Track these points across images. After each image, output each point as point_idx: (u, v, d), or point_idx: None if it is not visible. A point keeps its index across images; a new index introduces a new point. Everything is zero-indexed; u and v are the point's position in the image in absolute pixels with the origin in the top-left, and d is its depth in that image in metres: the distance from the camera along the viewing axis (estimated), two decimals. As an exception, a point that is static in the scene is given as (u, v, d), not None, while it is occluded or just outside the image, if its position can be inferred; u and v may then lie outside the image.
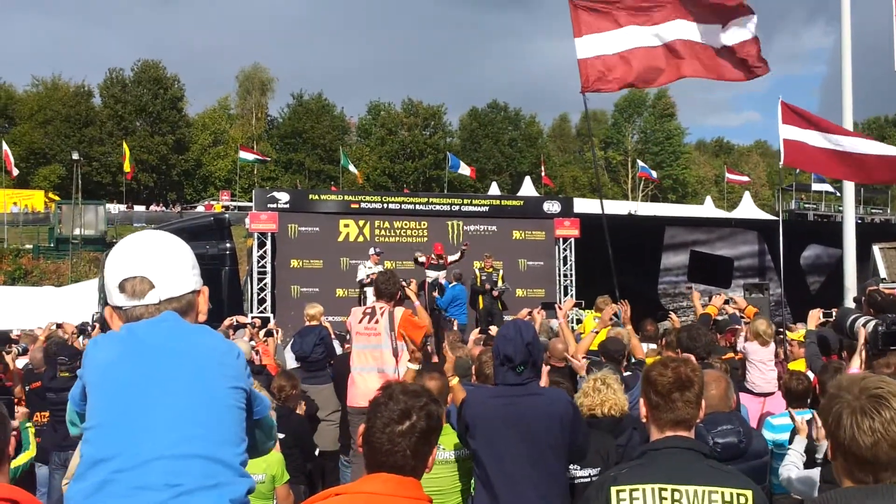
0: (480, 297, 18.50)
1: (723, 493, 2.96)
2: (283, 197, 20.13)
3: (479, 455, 4.54)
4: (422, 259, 18.21)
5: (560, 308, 9.63)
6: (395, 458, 2.65)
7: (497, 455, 4.47)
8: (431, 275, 18.62)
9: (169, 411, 2.42)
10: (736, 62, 14.39)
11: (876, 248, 23.07)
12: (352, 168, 64.96)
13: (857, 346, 3.83)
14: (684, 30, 14.46)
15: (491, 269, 18.61)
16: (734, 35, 14.26)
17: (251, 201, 24.21)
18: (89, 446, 2.42)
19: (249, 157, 66.36)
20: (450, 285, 17.65)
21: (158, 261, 2.72)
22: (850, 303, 17.32)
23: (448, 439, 5.09)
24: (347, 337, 9.59)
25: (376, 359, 7.77)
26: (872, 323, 3.95)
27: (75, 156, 50.44)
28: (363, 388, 7.66)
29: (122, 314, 2.65)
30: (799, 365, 8.04)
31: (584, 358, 8.26)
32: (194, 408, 2.45)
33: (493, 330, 10.63)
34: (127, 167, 57.20)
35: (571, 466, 4.78)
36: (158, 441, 2.37)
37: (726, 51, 14.35)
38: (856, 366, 3.65)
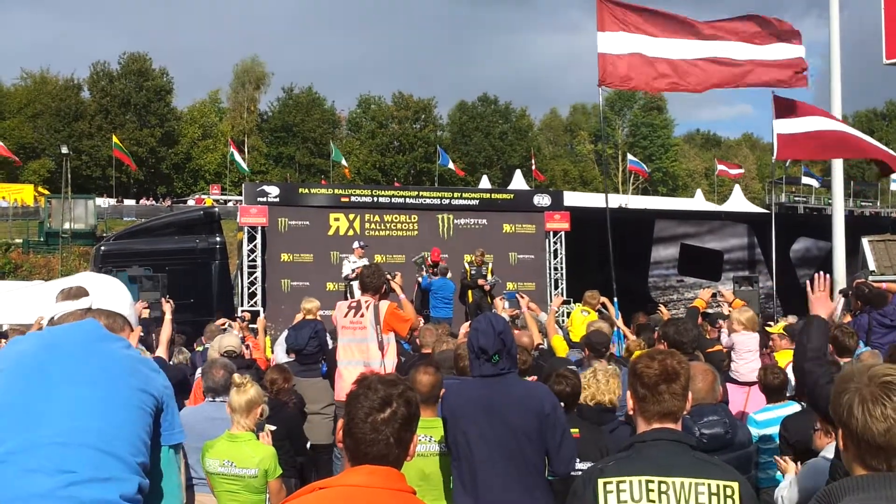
0: (469, 292, 18.54)
1: (709, 485, 2.98)
2: (273, 190, 20.09)
3: (458, 447, 4.55)
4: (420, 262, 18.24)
5: (522, 297, 9.67)
6: (379, 447, 2.66)
7: (474, 447, 4.48)
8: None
9: (68, 401, 2.46)
10: (774, 70, 14.79)
11: (865, 241, 23.13)
12: (343, 162, 64.75)
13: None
14: (715, 48, 14.74)
15: (480, 264, 18.61)
16: (777, 51, 14.72)
17: (241, 195, 24.19)
18: None
19: (237, 157, 66.03)
20: (436, 278, 17.75)
21: (99, 282, 2.94)
22: (836, 296, 17.41)
23: (439, 432, 5.12)
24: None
25: (362, 352, 7.78)
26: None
27: (65, 150, 50.25)
28: (349, 381, 7.65)
29: (50, 323, 2.78)
30: (785, 356, 8.09)
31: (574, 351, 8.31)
32: (95, 401, 2.49)
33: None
34: (129, 157, 56.57)
35: None
36: (53, 427, 2.40)
37: (763, 63, 14.76)
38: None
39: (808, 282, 4.64)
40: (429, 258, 18.40)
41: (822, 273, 4.57)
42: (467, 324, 10.35)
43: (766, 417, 6.34)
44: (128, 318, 2.95)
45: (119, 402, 2.53)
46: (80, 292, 2.84)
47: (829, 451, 4.95)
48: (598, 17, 14.76)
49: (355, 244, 18.00)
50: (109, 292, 2.91)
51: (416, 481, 5.01)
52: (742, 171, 74.77)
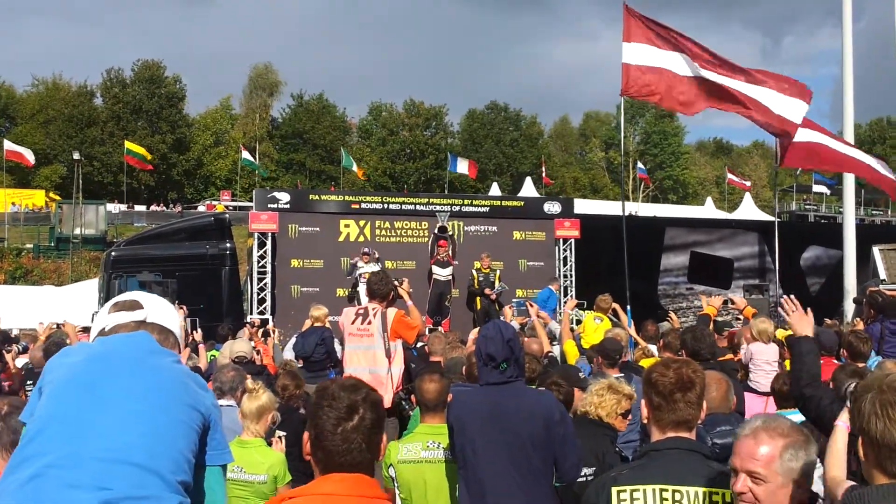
0: (478, 299, 18.58)
1: (724, 495, 2.96)
2: (284, 197, 20.13)
3: (464, 454, 4.54)
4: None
5: (532, 306, 9.65)
6: (353, 455, 2.62)
7: (480, 454, 4.47)
8: (438, 272, 18.72)
9: (114, 416, 2.42)
10: (776, 119, 14.48)
11: (876, 250, 23.04)
12: (354, 168, 64.66)
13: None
14: (729, 82, 14.53)
15: (488, 270, 18.63)
16: (784, 105, 14.37)
17: (252, 201, 24.22)
18: (27, 440, 2.43)
19: (251, 159, 66.16)
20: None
21: (152, 299, 2.93)
22: (849, 304, 17.36)
23: (446, 439, 5.11)
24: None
25: (369, 360, 7.78)
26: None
27: (76, 156, 50.46)
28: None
29: (103, 335, 2.74)
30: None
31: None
32: (142, 417, 2.45)
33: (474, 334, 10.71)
34: (148, 155, 56.52)
35: None
36: (96, 442, 2.36)
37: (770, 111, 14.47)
38: (844, 419, 3.69)
39: (781, 306, 4.71)
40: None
41: (787, 296, 4.65)
42: (476, 331, 10.36)
43: None
44: (178, 339, 2.92)
45: (166, 419, 2.49)
46: (134, 304, 2.81)
47: None
48: (625, 28, 14.71)
49: (364, 250, 18.17)
50: (162, 309, 2.90)
51: (422, 488, 5.01)
52: (749, 184, 74.86)
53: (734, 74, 14.59)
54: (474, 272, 18.79)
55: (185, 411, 2.55)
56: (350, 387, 2.72)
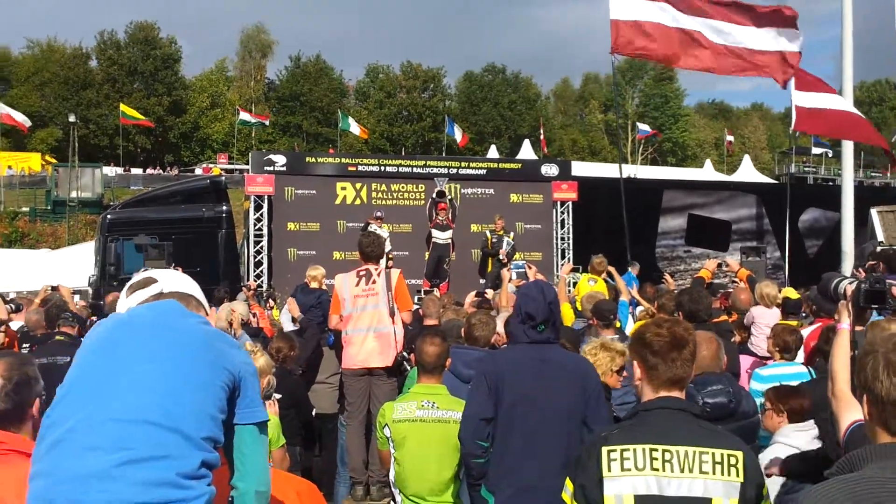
0: (490, 261, 18.48)
1: (713, 454, 2.96)
2: (280, 159, 20.06)
3: (502, 412, 4.48)
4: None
5: (530, 267, 9.67)
6: None
7: (521, 412, 4.44)
8: (437, 235, 18.68)
9: (133, 378, 2.44)
10: (772, 63, 14.30)
11: (874, 212, 22.99)
12: (353, 128, 64.12)
13: (843, 304, 3.84)
14: (717, 29, 14.33)
15: (501, 232, 18.55)
16: (774, 41, 14.22)
17: (248, 164, 24.13)
18: (52, 408, 2.47)
19: (249, 118, 65.94)
20: None
21: (165, 272, 3.00)
22: (847, 266, 17.35)
23: (443, 399, 5.13)
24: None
25: (374, 319, 7.77)
26: (857, 282, 3.97)
27: (72, 118, 50.19)
28: (361, 349, 7.69)
29: None
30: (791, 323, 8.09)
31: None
32: (160, 377, 2.45)
33: (489, 294, 10.72)
34: (143, 118, 56.27)
35: None
36: (114, 404, 2.38)
37: (761, 53, 14.28)
38: (846, 322, 3.65)
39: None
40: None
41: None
42: (473, 293, 10.37)
43: (772, 373, 6.26)
44: (201, 302, 2.93)
45: (186, 377, 2.49)
46: (147, 281, 2.84)
47: (783, 435, 4.88)
48: None
49: (377, 214, 18.18)
50: (177, 278, 2.94)
51: (416, 446, 5.02)
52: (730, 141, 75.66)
53: (729, 16, 14.37)
54: (489, 233, 18.72)
55: (209, 369, 2.55)
56: None
